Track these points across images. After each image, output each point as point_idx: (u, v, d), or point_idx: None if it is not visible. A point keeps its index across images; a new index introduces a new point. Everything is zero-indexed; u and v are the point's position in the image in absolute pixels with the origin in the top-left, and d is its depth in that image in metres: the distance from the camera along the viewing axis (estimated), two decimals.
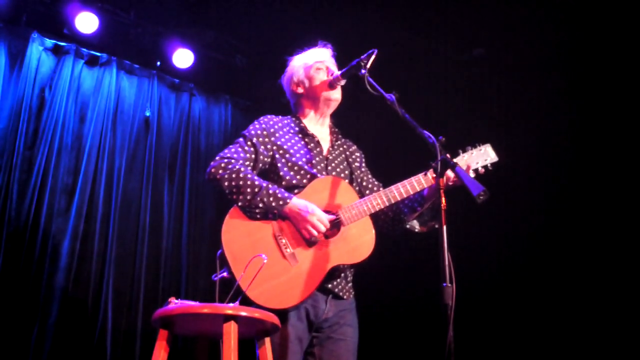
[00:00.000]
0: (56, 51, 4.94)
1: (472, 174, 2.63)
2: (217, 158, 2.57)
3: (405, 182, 2.59)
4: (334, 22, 5.03)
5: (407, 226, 2.76)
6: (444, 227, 1.99)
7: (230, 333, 2.11)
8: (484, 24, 5.08)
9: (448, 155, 2.18)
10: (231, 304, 2.17)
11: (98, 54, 5.14)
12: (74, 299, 4.46)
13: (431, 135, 2.24)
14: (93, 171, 4.84)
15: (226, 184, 2.48)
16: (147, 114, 5.25)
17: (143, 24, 5.15)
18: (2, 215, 4.34)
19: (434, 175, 2.46)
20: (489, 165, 2.68)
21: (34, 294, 4.32)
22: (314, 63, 2.80)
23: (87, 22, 4.83)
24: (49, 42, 4.91)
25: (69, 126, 4.83)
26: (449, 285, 1.91)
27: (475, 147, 2.70)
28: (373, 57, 2.53)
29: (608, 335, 4.61)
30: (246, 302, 2.31)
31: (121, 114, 5.15)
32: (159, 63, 5.38)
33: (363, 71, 2.50)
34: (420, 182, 2.57)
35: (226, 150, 2.60)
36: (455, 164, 2.17)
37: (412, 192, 2.58)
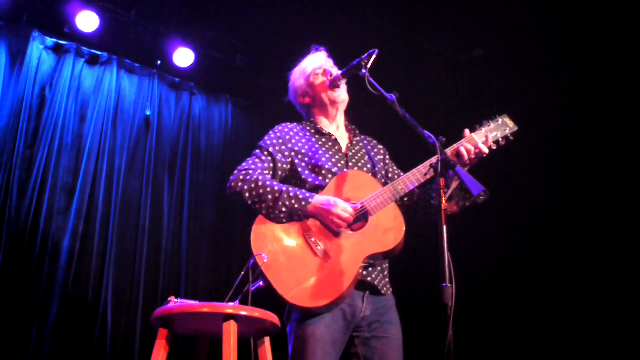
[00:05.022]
0: (57, 50, 4.94)
1: (493, 146, 2.60)
2: (235, 172, 2.57)
3: (427, 162, 2.51)
4: (334, 22, 5.03)
5: None
6: (444, 227, 1.99)
7: (230, 332, 2.11)
8: (484, 24, 5.08)
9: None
10: (231, 304, 2.17)
11: (99, 53, 5.14)
12: (74, 298, 4.46)
13: (431, 135, 2.23)
14: (93, 170, 4.84)
15: (247, 195, 2.49)
16: (148, 113, 5.25)
17: (144, 23, 5.15)
18: (2, 214, 4.34)
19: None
20: (509, 135, 2.65)
21: (33, 293, 4.32)
22: (312, 70, 2.82)
23: (87, 21, 4.83)
24: (50, 41, 4.91)
25: (69, 125, 4.83)
26: (449, 285, 1.91)
27: (493, 119, 2.68)
28: (374, 57, 2.53)
29: (608, 335, 4.61)
30: (246, 301, 2.30)
31: (121, 113, 5.15)
32: (159, 62, 5.38)
33: (364, 71, 2.49)
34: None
35: (244, 163, 2.61)
36: (456, 164, 2.16)
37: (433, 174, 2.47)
